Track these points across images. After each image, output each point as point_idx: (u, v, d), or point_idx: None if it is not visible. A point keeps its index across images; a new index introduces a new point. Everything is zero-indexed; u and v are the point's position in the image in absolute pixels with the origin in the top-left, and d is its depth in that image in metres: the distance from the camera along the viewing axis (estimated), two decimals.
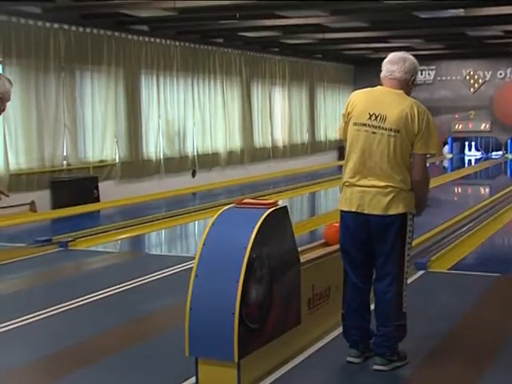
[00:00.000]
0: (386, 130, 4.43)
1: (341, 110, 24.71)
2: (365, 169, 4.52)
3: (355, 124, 4.55)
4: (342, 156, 24.08)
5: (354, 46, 20.61)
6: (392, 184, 4.45)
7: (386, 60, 4.61)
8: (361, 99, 4.60)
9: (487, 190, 15.12)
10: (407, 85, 4.56)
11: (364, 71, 24.84)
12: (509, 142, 24.60)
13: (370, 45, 20.19)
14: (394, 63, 4.55)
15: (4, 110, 4.26)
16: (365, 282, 4.71)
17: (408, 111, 4.43)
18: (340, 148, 24.60)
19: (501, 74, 24.37)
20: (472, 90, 24.74)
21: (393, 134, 4.42)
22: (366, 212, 4.52)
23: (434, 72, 24.99)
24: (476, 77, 24.71)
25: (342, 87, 25.19)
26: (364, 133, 4.50)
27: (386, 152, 4.45)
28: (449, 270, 7.29)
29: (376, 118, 4.47)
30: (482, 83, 24.61)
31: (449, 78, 24.83)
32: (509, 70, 24.19)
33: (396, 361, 4.62)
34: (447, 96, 24.86)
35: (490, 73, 24.48)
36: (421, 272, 6.99)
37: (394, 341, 4.60)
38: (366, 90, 4.68)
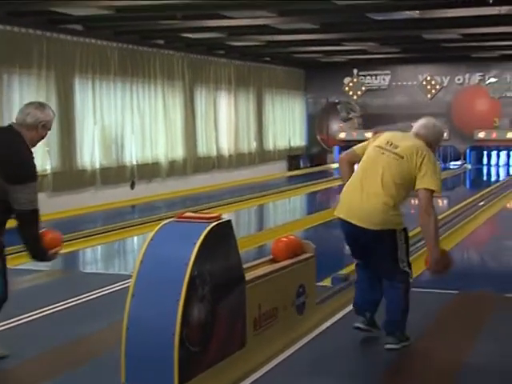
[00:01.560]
0: (393, 153, 5.32)
1: (291, 116, 25.09)
2: (363, 183, 5.33)
3: (375, 146, 5.47)
4: (291, 166, 24.38)
5: (304, 49, 20.75)
6: (382, 201, 5.22)
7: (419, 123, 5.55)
8: (384, 134, 5.59)
9: (445, 202, 15.33)
10: (429, 142, 5.44)
11: (315, 76, 25.22)
12: (468, 151, 25.04)
13: (321, 48, 20.34)
14: (421, 128, 5.48)
15: (44, 137, 4.84)
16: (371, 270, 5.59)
17: (418, 147, 5.31)
18: (290, 158, 24.77)
19: (459, 79, 24.82)
20: (429, 96, 25.12)
21: (397, 157, 5.29)
22: (353, 223, 5.30)
23: (389, 77, 25.36)
24: (433, 82, 25.11)
25: (292, 92, 25.37)
26: (376, 150, 5.42)
27: (385, 170, 5.29)
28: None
29: (391, 145, 5.39)
30: (440, 89, 25.02)
31: (404, 83, 25.21)
32: (467, 75, 24.70)
33: (404, 340, 5.40)
34: (403, 102, 25.21)
35: (448, 78, 24.92)
36: None
37: (402, 322, 5.37)
38: (392, 132, 5.67)
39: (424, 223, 5.22)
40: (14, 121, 4.95)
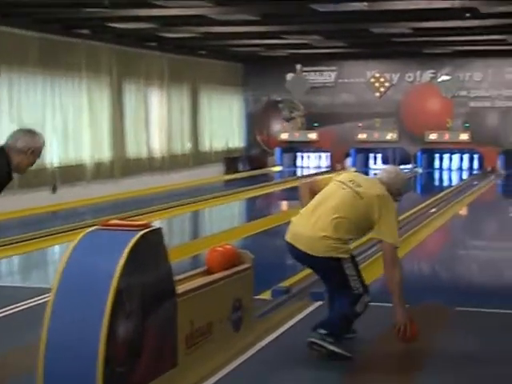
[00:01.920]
0: (354, 191, 5.63)
1: (228, 114, 25.12)
2: (315, 212, 5.62)
3: (337, 181, 5.80)
4: (229, 169, 24.35)
5: (243, 42, 20.78)
6: (327, 235, 5.51)
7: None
8: (353, 174, 6.05)
9: None
10: (391, 191, 5.75)
11: (255, 71, 25.25)
12: (419, 154, 25.24)
13: (261, 41, 20.39)
14: (388, 175, 5.81)
15: (33, 164, 5.31)
16: None
17: (380, 195, 5.62)
18: (227, 160, 24.77)
19: (409, 76, 25.08)
20: (377, 94, 25.28)
21: (357, 197, 5.59)
22: (297, 247, 5.62)
23: (334, 73, 25.47)
24: (382, 80, 25.30)
25: (229, 89, 25.37)
26: (338, 184, 5.75)
27: (341, 205, 5.57)
28: None
29: (353, 183, 5.72)
30: (389, 87, 25.22)
31: (351, 80, 25.34)
32: (418, 73, 24.97)
33: (331, 343, 5.51)
34: (350, 101, 25.36)
35: (398, 75, 25.17)
36: (318, 303, 7.04)
37: (338, 327, 5.59)
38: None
39: (389, 275, 5.64)
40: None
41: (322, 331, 5.55)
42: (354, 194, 5.63)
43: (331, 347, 5.53)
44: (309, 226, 5.61)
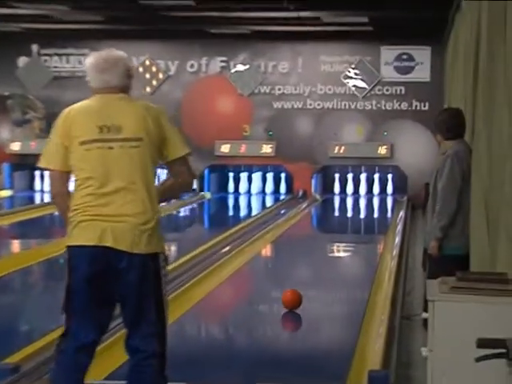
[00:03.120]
0: (124, 140, 5.63)
1: None
2: (105, 195, 5.62)
3: (83, 143, 5.65)
4: None
5: None
6: (141, 212, 5.64)
7: (90, 65, 5.90)
8: (80, 113, 5.79)
9: (171, 250, 15.20)
10: (128, 87, 5.89)
11: None
12: (206, 172, 25.17)
13: None
14: (104, 71, 5.83)
15: None
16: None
17: (146, 114, 5.74)
18: None
19: (192, 65, 25.22)
20: (148, 89, 25.29)
21: (134, 144, 5.63)
22: (108, 245, 5.57)
23: (81, 58, 24.57)
24: (154, 69, 25.30)
25: None
26: (97, 150, 5.64)
27: (128, 170, 5.64)
28: (105, 379, 7.35)
29: (109, 129, 5.66)
30: (164, 79, 25.29)
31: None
32: (204, 61, 25.18)
33: None
34: None
35: (176, 64, 25.25)
36: None
37: None
38: (81, 103, 5.86)
39: (188, 186, 6.14)
40: None
41: None
42: (128, 144, 5.66)
43: None
44: (114, 210, 5.65)
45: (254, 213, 22.87)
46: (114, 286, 5.64)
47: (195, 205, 23.58)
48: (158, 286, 5.71)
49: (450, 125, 8.60)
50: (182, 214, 22.00)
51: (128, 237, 5.58)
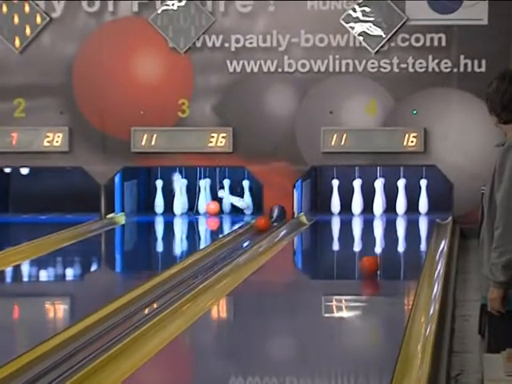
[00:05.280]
0: None
1: None
2: None
3: None
4: None
5: None
6: None
7: None
8: None
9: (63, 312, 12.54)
10: None
11: None
12: (117, 181, 19.72)
13: None
14: None
15: None
16: None
17: None
18: None
19: (91, 3, 19.73)
20: (18, 42, 19.62)
21: None
22: None
23: None
24: (27, 9, 19.83)
25: None
26: None
27: None
28: None
29: None
30: (44, 25, 19.58)
31: None
32: None
33: None
34: None
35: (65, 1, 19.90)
36: None
37: None
38: None
39: None
40: None
41: None
42: None
43: None
44: None
45: (194, 248, 17.78)
46: None
47: (100, 234, 18.41)
48: None
49: (510, 99, 6.31)
50: (74, 252, 16.48)
51: None
